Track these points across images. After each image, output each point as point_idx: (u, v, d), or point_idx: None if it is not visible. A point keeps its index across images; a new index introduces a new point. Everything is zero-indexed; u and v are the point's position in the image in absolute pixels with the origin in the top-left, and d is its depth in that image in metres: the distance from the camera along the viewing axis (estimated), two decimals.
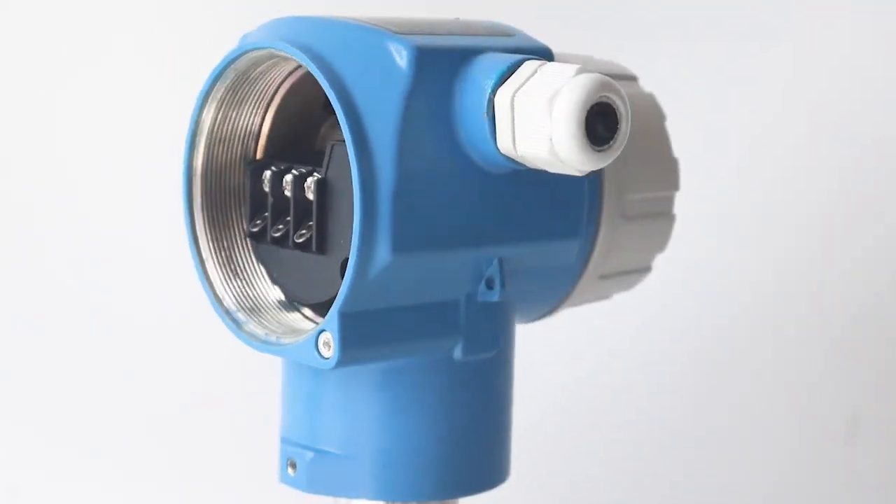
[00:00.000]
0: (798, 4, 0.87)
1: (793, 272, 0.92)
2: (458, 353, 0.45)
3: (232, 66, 0.45)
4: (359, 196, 0.41)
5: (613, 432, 0.84)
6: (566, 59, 0.49)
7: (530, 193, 0.45)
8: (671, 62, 0.83)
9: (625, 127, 0.41)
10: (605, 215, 0.47)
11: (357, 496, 0.47)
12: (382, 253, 0.42)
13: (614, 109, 0.41)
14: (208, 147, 0.47)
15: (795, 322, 0.93)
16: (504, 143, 0.42)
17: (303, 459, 0.47)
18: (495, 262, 0.45)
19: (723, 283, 0.92)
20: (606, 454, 0.83)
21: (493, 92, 0.42)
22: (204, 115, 0.46)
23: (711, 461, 0.86)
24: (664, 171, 0.50)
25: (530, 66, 0.42)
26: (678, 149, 0.51)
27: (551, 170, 0.42)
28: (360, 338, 0.43)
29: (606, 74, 0.47)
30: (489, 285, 0.45)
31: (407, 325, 0.44)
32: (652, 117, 0.49)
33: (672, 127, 0.51)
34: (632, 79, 0.51)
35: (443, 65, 0.42)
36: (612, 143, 0.41)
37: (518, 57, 0.42)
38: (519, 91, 0.41)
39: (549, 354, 0.81)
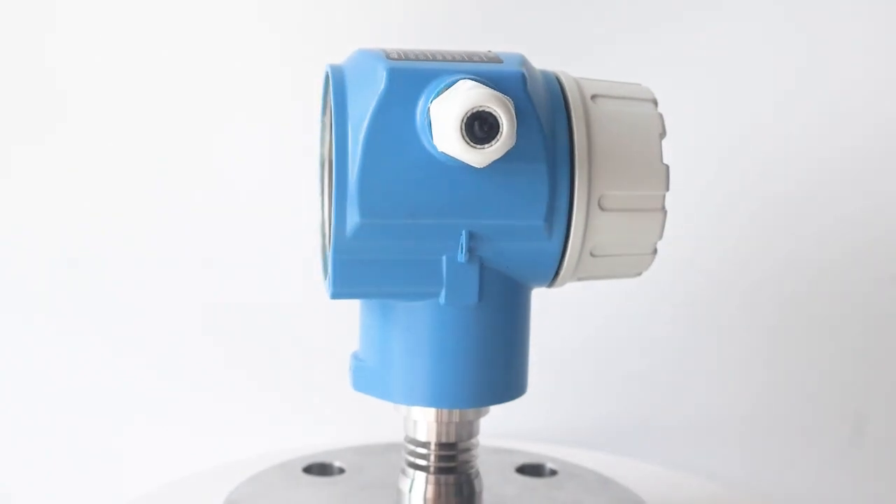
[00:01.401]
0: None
1: (796, 272, 0.93)
2: (441, 299, 0.60)
3: (327, 81, 0.63)
4: (335, 171, 0.57)
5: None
6: (596, 83, 0.61)
7: (492, 181, 0.57)
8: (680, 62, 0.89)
9: (507, 131, 0.53)
10: (577, 205, 0.58)
11: (390, 400, 0.63)
12: (353, 216, 0.57)
13: (495, 117, 0.53)
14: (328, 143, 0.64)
15: (798, 323, 0.93)
16: (435, 141, 0.56)
17: (353, 366, 0.63)
18: (464, 232, 0.58)
19: (726, 284, 0.93)
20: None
21: (430, 102, 0.56)
22: (324, 118, 0.64)
23: (714, 463, 0.87)
24: (649, 174, 0.59)
25: (459, 83, 0.56)
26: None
27: (466, 162, 0.55)
28: (349, 278, 0.59)
29: (626, 97, 0.59)
30: (461, 249, 0.59)
31: (392, 273, 0.59)
32: (647, 131, 0.60)
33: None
34: (648, 101, 0.61)
35: (411, 82, 0.56)
36: (492, 143, 0.53)
37: (457, 77, 0.56)
38: (438, 102, 0.55)
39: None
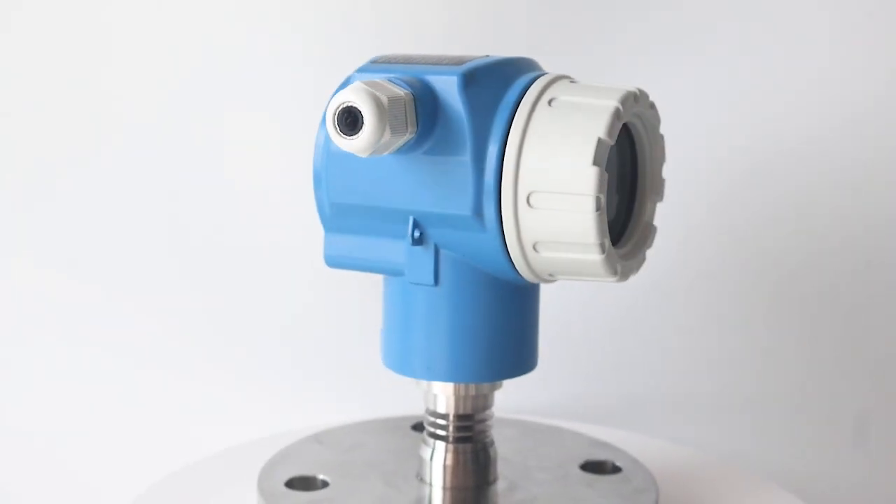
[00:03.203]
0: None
1: (796, 271, 0.92)
2: (406, 277, 0.67)
3: None
4: (314, 160, 0.67)
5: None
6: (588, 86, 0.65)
7: (425, 172, 0.64)
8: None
9: (368, 123, 0.60)
10: (505, 200, 0.62)
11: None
12: (325, 197, 0.67)
13: (360, 110, 0.60)
14: None
15: (801, 323, 0.93)
16: None
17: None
18: (411, 218, 0.65)
19: (727, 283, 0.93)
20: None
21: None
22: None
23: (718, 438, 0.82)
24: (578, 177, 0.61)
25: None
26: None
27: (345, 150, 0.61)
28: (337, 249, 0.68)
29: (587, 103, 0.63)
30: (409, 233, 0.65)
31: (371, 248, 0.67)
32: (585, 136, 0.61)
33: None
34: (608, 109, 0.62)
35: None
36: (357, 134, 0.60)
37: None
38: None
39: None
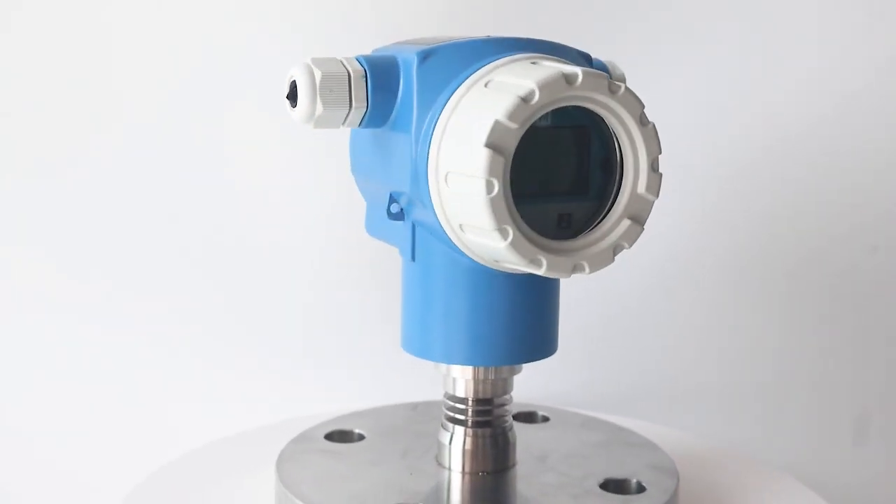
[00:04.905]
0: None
1: (796, 270, 0.93)
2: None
3: None
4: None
5: None
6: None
7: (384, 150, 0.65)
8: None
9: (301, 96, 0.63)
10: (430, 179, 0.62)
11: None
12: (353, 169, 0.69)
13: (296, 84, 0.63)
14: None
15: (801, 323, 0.93)
16: None
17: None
18: (389, 193, 0.66)
19: (728, 281, 0.94)
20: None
21: None
22: None
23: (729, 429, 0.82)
24: (472, 157, 0.58)
25: None
26: None
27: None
28: (368, 219, 0.70)
29: (512, 83, 0.60)
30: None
31: (383, 223, 0.67)
32: (489, 114, 0.59)
33: None
34: (528, 88, 0.59)
35: None
36: (296, 104, 0.63)
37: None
38: None
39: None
